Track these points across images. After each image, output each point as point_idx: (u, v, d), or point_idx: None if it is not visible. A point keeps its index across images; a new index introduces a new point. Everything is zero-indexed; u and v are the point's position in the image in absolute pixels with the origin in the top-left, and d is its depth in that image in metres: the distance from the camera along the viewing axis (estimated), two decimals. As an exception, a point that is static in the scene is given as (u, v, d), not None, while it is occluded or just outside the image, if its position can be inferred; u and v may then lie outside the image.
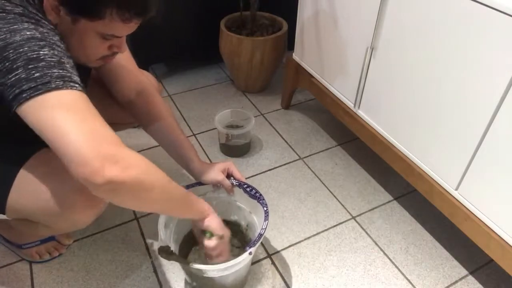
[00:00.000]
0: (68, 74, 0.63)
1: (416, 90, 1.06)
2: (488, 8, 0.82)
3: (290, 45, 1.61)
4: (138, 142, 1.53)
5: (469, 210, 1.01)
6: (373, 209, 1.32)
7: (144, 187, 0.66)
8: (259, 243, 0.90)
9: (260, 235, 0.91)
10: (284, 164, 1.47)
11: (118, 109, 1.07)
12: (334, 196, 1.35)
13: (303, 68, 1.53)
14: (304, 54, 1.51)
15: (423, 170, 1.11)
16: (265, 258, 1.15)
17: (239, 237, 1.11)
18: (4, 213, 0.84)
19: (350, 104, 1.33)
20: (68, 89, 0.61)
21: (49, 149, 0.61)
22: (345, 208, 1.31)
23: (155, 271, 1.11)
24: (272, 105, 1.77)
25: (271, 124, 1.66)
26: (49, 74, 0.60)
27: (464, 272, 1.14)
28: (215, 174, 1.00)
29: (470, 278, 1.13)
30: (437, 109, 1.01)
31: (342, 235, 1.23)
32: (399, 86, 1.11)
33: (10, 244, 1.10)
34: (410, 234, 1.24)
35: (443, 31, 0.93)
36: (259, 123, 1.66)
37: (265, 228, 0.92)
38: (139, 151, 1.49)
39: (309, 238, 1.21)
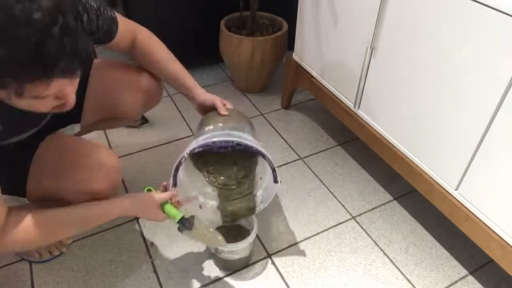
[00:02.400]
0: None
1: (416, 90, 1.06)
2: (488, 8, 0.82)
3: (290, 45, 1.61)
4: (139, 142, 1.53)
5: (469, 210, 1.01)
6: (373, 209, 1.32)
7: (32, 244, 0.84)
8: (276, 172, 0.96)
9: (273, 169, 0.96)
10: (284, 164, 1.47)
11: (120, 103, 1.09)
12: (334, 196, 1.35)
13: (303, 68, 1.53)
14: (304, 54, 1.51)
15: (423, 170, 1.11)
16: (265, 258, 1.15)
17: (249, 183, 1.09)
18: (25, 195, 0.91)
19: (350, 104, 1.33)
20: None
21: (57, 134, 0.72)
22: (345, 208, 1.31)
23: (155, 271, 1.11)
24: (272, 105, 1.77)
25: (271, 124, 1.66)
26: None
27: (464, 272, 1.14)
28: (213, 97, 1.09)
29: (470, 278, 1.13)
30: (437, 109, 1.01)
31: (342, 235, 1.23)
32: (399, 86, 1.11)
33: None
34: (410, 234, 1.24)
35: (443, 31, 0.93)
36: (259, 123, 1.66)
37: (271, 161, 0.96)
38: (139, 151, 1.49)
39: (309, 238, 1.21)
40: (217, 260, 1.11)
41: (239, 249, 1.04)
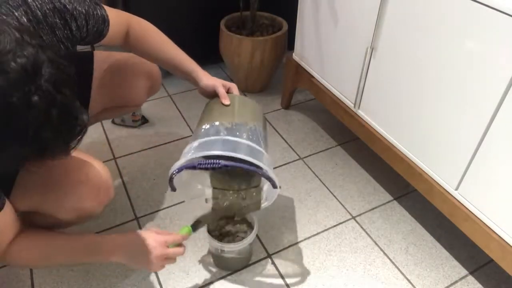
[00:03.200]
0: None
1: (416, 90, 1.06)
2: (488, 8, 0.82)
3: (290, 45, 1.61)
4: (139, 142, 1.53)
5: (469, 210, 1.01)
6: (373, 209, 1.32)
7: (35, 266, 0.94)
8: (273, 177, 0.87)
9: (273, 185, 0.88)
10: (284, 164, 1.47)
11: (126, 89, 1.09)
12: (334, 196, 1.35)
13: (303, 68, 1.53)
14: (304, 54, 1.51)
15: (423, 170, 1.11)
16: (265, 258, 1.15)
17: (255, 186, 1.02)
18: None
19: (350, 104, 1.33)
20: None
21: None
22: (345, 208, 1.31)
23: (155, 271, 1.11)
24: (272, 105, 1.77)
25: (271, 124, 1.66)
26: None
27: (464, 272, 1.14)
28: (214, 82, 1.01)
29: (470, 278, 1.13)
30: (437, 109, 1.01)
31: (342, 235, 1.23)
32: (399, 86, 1.11)
33: None
34: (410, 234, 1.24)
35: (443, 31, 0.93)
36: (259, 123, 1.66)
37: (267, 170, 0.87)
38: (139, 151, 1.49)
39: (309, 238, 1.21)
40: (217, 260, 1.12)
41: (239, 249, 1.04)
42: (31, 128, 0.52)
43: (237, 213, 1.05)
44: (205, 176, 1.01)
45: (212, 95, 1.03)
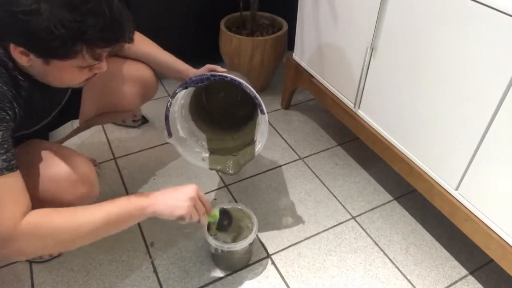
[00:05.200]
0: None
1: (416, 90, 1.06)
2: (488, 8, 0.82)
3: (290, 45, 1.61)
4: (139, 142, 1.53)
5: (469, 210, 1.01)
6: (373, 209, 1.32)
7: (50, 248, 0.78)
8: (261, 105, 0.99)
9: (255, 97, 0.98)
10: (284, 164, 1.47)
11: (119, 95, 1.09)
12: (334, 196, 1.35)
13: (303, 68, 1.53)
14: (304, 54, 1.51)
15: (423, 170, 1.11)
16: (265, 258, 1.15)
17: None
18: None
19: (350, 104, 1.33)
20: None
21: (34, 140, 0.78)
22: (345, 208, 1.31)
23: (155, 271, 1.11)
24: (272, 105, 1.77)
25: (271, 124, 1.66)
26: None
27: (464, 272, 1.14)
28: (204, 67, 1.12)
29: (470, 278, 1.13)
30: (437, 109, 1.01)
31: (342, 235, 1.23)
32: (399, 86, 1.11)
33: None
34: (410, 234, 1.24)
35: (443, 31, 0.93)
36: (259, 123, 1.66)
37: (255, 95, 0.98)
38: (139, 151, 1.49)
39: (309, 238, 1.21)
40: (218, 260, 1.12)
41: (239, 249, 1.04)
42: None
43: (234, 166, 1.10)
44: (202, 140, 1.14)
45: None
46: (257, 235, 1.17)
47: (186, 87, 0.98)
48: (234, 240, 1.06)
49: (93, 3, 0.66)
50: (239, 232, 1.09)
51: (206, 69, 1.11)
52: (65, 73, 0.75)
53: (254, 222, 1.08)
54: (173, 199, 0.86)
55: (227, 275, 1.10)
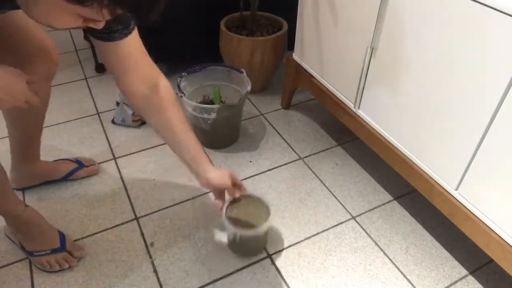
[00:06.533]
0: None
1: (416, 90, 1.06)
2: (488, 8, 0.82)
3: (290, 45, 1.61)
4: (139, 142, 1.53)
5: (469, 210, 1.01)
6: (373, 209, 1.32)
7: None
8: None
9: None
10: (284, 164, 1.47)
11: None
12: (334, 196, 1.35)
13: (303, 68, 1.53)
14: (304, 54, 1.51)
15: (423, 170, 1.11)
16: (265, 258, 1.15)
17: None
18: None
19: (350, 104, 1.33)
20: None
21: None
22: (345, 208, 1.31)
23: (155, 271, 1.11)
24: (272, 105, 1.77)
25: (271, 124, 1.66)
26: None
27: (464, 272, 1.14)
28: (222, 178, 1.05)
29: (470, 278, 1.13)
30: (437, 109, 1.01)
31: (342, 235, 1.23)
32: (399, 86, 1.11)
33: (24, 250, 1.10)
34: (410, 234, 1.24)
35: (443, 31, 0.93)
36: (259, 123, 1.66)
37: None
38: (139, 151, 1.49)
39: (309, 238, 1.21)
40: (234, 246, 1.15)
41: (255, 235, 1.09)
42: None
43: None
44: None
45: (218, 191, 1.09)
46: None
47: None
48: (250, 226, 1.09)
49: None
50: (254, 219, 1.11)
51: (228, 175, 1.06)
52: (59, 14, 0.59)
53: (269, 208, 1.12)
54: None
55: (227, 275, 1.10)
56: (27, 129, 1.18)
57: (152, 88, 0.95)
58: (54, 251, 1.09)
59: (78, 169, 1.34)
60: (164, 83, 0.97)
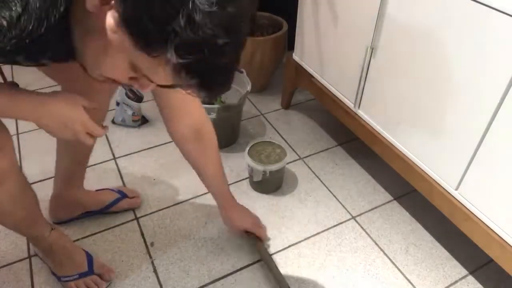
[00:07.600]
0: None
1: (416, 90, 1.06)
2: (488, 8, 0.82)
3: (290, 45, 1.61)
4: (139, 142, 1.53)
5: (469, 210, 1.01)
6: (373, 209, 1.32)
7: None
8: None
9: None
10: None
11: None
12: (334, 196, 1.35)
13: (303, 68, 1.53)
14: (304, 54, 1.51)
15: (423, 170, 1.11)
16: (265, 258, 1.15)
17: None
18: None
19: (350, 104, 1.32)
20: None
21: None
22: (345, 208, 1.31)
23: (155, 271, 1.11)
24: (272, 105, 1.77)
25: (271, 124, 1.66)
26: None
27: (464, 272, 1.14)
28: (244, 220, 1.16)
29: (470, 278, 1.13)
30: (437, 109, 1.01)
31: (342, 235, 1.23)
32: (399, 86, 1.11)
33: (54, 275, 1.07)
34: (410, 234, 1.24)
35: (443, 31, 0.93)
36: (259, 123, 1.66)
37: None
38: (139, 151, 1.49)
39: (309, 238, 1.21)
40: (261, 186, 1.34)
41: (278, 169, 1.28)
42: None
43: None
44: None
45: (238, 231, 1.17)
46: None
47: None
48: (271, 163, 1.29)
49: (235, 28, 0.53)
50: (271, 158, 1.32)
51: (251, 223, 1.15)
52: (115, 58, 0.56)
53: (282, 147, 1.34)
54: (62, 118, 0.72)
55: (227, 275, 1.10)
56: (78, 153, 1.11)
57: (196, 135, 0.97)
58: (82, 275, 1.04)
59: (120, 200, 1.25)
60: (208, 129, 0.99)
